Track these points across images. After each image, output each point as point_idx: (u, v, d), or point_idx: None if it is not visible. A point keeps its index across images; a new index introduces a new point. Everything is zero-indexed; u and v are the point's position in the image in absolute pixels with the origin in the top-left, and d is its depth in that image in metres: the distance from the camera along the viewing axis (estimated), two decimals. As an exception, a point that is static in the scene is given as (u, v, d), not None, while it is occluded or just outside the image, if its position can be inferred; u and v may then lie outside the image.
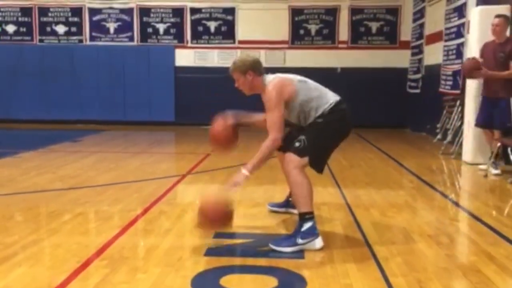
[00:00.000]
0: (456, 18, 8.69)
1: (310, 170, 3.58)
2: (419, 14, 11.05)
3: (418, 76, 10.97)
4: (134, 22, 12.31)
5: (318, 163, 3.60)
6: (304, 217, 3.45)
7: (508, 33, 6.29)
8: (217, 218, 3.40)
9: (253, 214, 4.35)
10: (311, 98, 3.56)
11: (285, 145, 3.64)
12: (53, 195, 5.06)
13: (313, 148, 3.49)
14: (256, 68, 3.65)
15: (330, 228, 3.95)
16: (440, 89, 9.24)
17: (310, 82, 3.70)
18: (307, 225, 3.42)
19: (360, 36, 12.06)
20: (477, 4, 7.17)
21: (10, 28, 12.53)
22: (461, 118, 7.52)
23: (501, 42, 6.12)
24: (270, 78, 3.65)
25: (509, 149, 6.13)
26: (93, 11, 12.35)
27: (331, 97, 3.62)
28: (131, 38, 12.36)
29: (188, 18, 12.23)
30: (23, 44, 12.47)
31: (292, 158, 3.47)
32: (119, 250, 3.38)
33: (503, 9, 6.67)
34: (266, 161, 3.57)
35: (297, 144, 3.50)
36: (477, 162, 6.63)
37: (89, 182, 5.66)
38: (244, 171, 3.45)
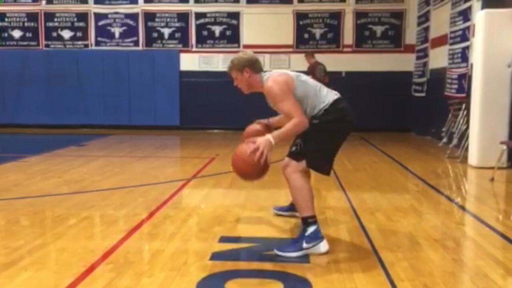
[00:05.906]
0: (461, 22, 8.68)
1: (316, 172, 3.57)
2: (424, 18, 11.04)
3: (423, 79, 10.95)
4: (139, 26, 12.36)
5: (320, 165, 3.59)
6: (307, 221, 3.44)
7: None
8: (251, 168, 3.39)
9: (258, 218, 4.35)
10: (307, 96, 3.49)
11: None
12: (58, 199, 5.08)
13: (310, 151, 3.46)
14: (253, 65, 3.61)
15: (335, 232, 3.94)
16: (445, 93, 9.21)
17: (309, 80, 3.65)
18: (311, 229, 3.41)
19: (364, 40, 12.07)
20: (482, 8, 7.16)
21: (16, 33, 12.61)
22: (467, 121, 7.50)
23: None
24: (267, 74, 3.60)
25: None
26: (99, 16, 12.41)
27: (328, 97, 3.54)
28: (136, 43, 12.41)
29: (193, 23, 12.27)
30: (29, 49, 12.55)
31: (289, 163, 3.47)
32: (125, 254, 3.38)
33: (507, 12, 6.67)
34: (291, 137, 3.52)
35: (293, 148, 3.50)
36: (483, 166, 6.60)
37: (94, 187, 5.67)
38: (269, 136, 3.37)
